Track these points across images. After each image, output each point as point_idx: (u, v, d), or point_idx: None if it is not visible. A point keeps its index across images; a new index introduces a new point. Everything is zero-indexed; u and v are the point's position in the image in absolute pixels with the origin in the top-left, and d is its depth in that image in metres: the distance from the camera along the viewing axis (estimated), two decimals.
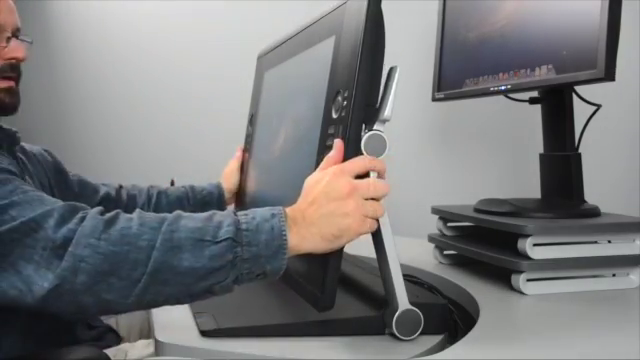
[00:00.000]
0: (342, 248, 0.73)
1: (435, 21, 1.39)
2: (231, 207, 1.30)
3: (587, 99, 1.10)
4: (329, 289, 0.72)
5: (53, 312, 0.71)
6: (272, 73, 1.17)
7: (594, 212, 1.04)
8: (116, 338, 1.13)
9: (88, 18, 2.18)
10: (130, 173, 2.12)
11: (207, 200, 1.26)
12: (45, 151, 1.16)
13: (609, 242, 0.99)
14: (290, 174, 0.90)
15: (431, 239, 1.19)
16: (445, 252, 1.17)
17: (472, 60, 1.25)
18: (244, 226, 0.70)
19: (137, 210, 0.72)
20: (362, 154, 0.73)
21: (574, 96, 1.09)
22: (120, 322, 1.21)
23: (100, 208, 0.72)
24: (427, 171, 1.75)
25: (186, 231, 0.69)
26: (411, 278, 1.03)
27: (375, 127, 0.74)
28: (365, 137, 0.73)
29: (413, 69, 1.70)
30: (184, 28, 2.06)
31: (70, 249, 0.67)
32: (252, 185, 1.19)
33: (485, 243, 1.05)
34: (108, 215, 0.70)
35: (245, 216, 0.71)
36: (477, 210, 1.10)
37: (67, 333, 1.01)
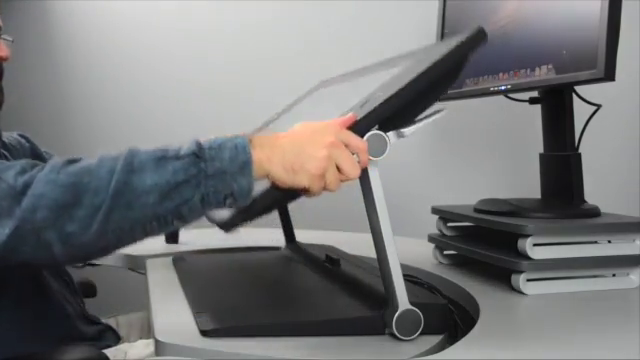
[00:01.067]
0: (285, 195, 0.71)
1: (435, 21, 1.39)
2: None
3: (587, 99, 1.10)
4: (242, 214, 0.71)
5: (19, 260, 0.69)
6: (327, 88, 1.18)
7: (594, 212, 1.03)
8: (115, 337, 1.13)
9: (91, 18, 2.18)
10: None
11: None
12: (21, 136, 1.15)
13: (609, 242, 0.99)
14: None
15: (431, 239, 1.19)
16: (445, 252, 1.17)
17: (472, 60, 1.25)
18: (207, 145, 0.69)
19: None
20: None
21: (574, 96, 1.09)
22: (120, 322, 1.21)
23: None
24: (427, 171, 1.75)
25: (146, 154, 0.69)
26: (411, 278, 1.03)
27: (389, 134, 0.74)
28: (370, 133, 0.73)
29: None
30: (186, 26, 2.06)
31: (29, 192, 0.67)
32: None
33: (485, 243, 1.05)
34: (70, 157, 0.70)
35: (207, 139, 0.71)
36: (477, 210, 1.10)
37: (66, 329, 1.01)
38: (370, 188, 0.74)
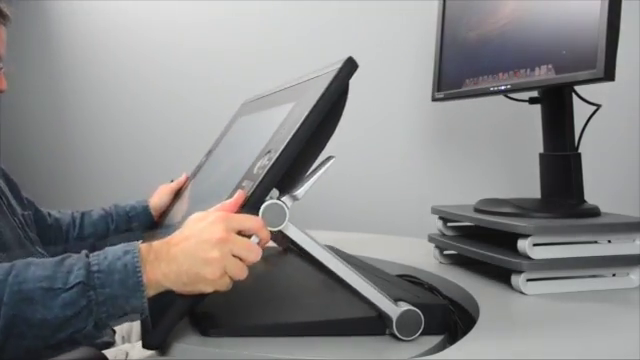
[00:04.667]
0: (197, 298, 0.71)
1: (435, 21, 1.39)
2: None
3: (587, 99, 1.10)
4: (160, 330, 0.72)
5: None
6: (242, 120, 1.21)
7: (594, 212, 1.04)
8: (111, 332, 1.12)
9: (91, 18, 2.18)
10: (131, 174, 2.13)
11: (130, 215, 1.26)
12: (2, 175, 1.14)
13: (609, 242, 0.99)
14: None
15: (431, 239, 1.19)
16: (445, 252, 1.17)
17: (472, 60, 1.25)
18: (95, 268, 0.68)
19: None
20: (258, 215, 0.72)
21: (574, 96, 1.09)
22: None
23: None
24: (427, 171, 1.75)
25: (34, 280, 0.66)
26: (411, 278, 1.04)
27: (283, 199, 0.72)
28: (265, 204, 0.72)
29: (413, 69, 1.70)
30: (186, 26, 2.06)
31: None
32: (175, 211, 1.22)
33: (485, 243, 1.05)
34: None
35: (97, 257, 0.69)
36: (477, 210, 1.10)
37: None
38: (299, 246, 0.75)
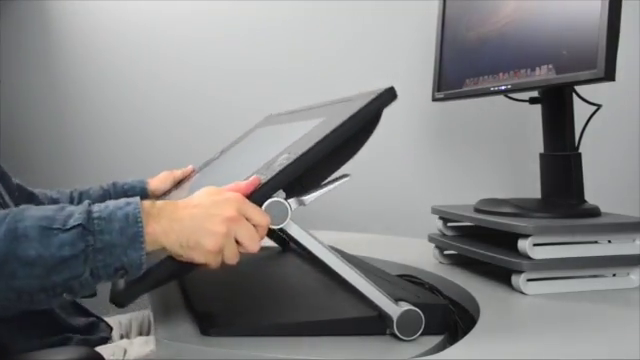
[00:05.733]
0: (178, 270, 0.71)
1: (435, 21, 1.39)
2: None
3: (587, 99, 1.10)
4: (132, 289, 0.71)
5: None
6: (263, 129, 1.21)
7: (594, 212, 1.04)
8: (107, 329, 1.12)
9: (91, 18, 2.18)
10: (134, 171, 2.12)
11: (129, 195, 1.25)
12: None
13: (609, 242, 0.99)
14: None
15: (431, 239, 1.19)
16: (445, 252, 1.17)
17: (472, 60, 1.25)
18: (96, 214, 0.67)
19: None
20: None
21: (574, 96, 1.10)
22: (121, 321, 1.21)
23: None
24: (427, 171, 1.75)
25: (32, 219, 0.65)
26: (411, 278, 1.04)
27: (289, 200, 0.73)
28: (270, 200, 0.72)
29: (413, 69, 1.70)
30: (186, 28, 2.06)
31: None
32: (171, 196, 1.22)
33: (485, 243, 1.05)
34: None
35: (98, 205, 0.69)
36: (477, 210, 1.10)
37: (51, 321, 0.99)
38: (301, 245, 0.75)
